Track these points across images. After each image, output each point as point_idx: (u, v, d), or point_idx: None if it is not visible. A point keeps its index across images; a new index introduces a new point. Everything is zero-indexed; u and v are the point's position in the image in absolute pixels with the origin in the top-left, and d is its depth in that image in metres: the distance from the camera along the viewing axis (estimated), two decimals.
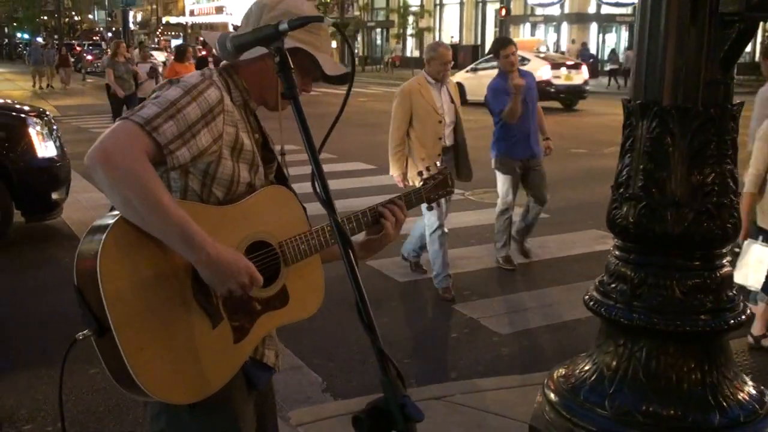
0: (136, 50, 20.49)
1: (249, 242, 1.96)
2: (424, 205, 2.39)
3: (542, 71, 20.45)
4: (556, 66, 21.69)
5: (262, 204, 2.01)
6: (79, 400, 4.29)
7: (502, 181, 6.81)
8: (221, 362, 1.92)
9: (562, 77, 21.69)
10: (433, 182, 2.43)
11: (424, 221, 6.05)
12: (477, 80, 20.07)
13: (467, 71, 23.28)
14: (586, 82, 22.72)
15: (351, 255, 1.46)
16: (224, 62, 2.02)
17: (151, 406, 1.99)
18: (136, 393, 1.79)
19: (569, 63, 22.80)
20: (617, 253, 2.82)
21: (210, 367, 1.89)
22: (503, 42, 6.90)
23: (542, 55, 23.60)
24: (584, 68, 22.90)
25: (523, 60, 18.68)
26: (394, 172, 6.01)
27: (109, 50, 16.90)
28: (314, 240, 2.05)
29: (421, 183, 2.42)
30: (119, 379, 1.79)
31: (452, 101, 6.05)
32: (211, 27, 58.35)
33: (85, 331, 1.76)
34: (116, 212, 1.82)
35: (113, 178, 1.74)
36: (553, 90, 21.07)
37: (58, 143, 7.88)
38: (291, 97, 1.56)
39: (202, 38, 23.93)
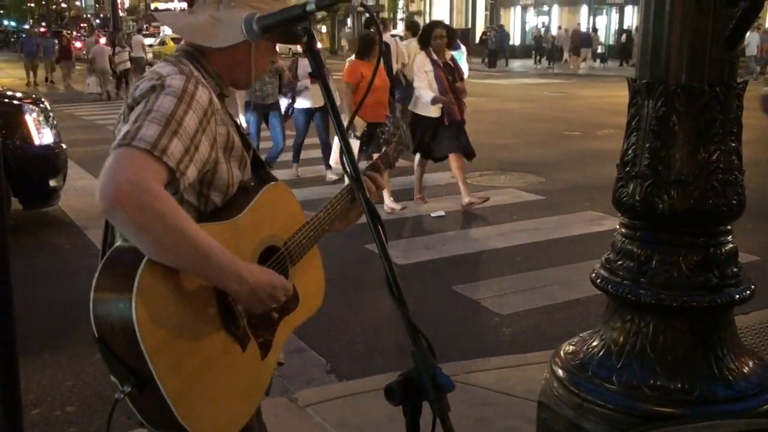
0: (137, 37, 18.84)
1: (260, 251, 1.87)
2: None
3: None
4: None
5: (266, 208, 1.90)
6: (86, 385, 4.33)
7: None
8: (255, 383, 1.88)
9: None
10: (394, 142, 2.32)
11: None
12: None
13: None
14: None
15: (381, 231, 1.48)
16: (185, 47, 1.87)
17: None
18: None
19: None
20: (623, 230, 2.85)
21: (247, 391, 1.85)
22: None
23: None
24: None
25: None
26: None
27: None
28: (312, 231, 2.00)
29: (383, 144, 2.31)
30: (165, 429, 1.67)
31: None
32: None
33: (124, 388, 1.61)
34: (125, 244, 1.65)
35: (139, 221, 1.54)
36: None
37: (54, 130, 7.88)
38: (319, 76, 1.56)
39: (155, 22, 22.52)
